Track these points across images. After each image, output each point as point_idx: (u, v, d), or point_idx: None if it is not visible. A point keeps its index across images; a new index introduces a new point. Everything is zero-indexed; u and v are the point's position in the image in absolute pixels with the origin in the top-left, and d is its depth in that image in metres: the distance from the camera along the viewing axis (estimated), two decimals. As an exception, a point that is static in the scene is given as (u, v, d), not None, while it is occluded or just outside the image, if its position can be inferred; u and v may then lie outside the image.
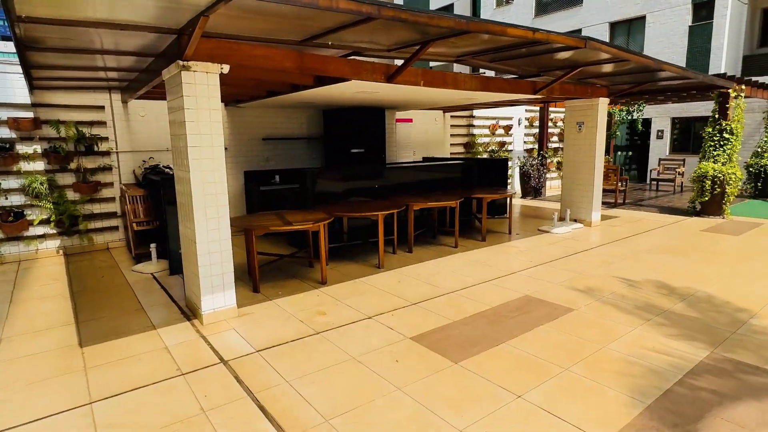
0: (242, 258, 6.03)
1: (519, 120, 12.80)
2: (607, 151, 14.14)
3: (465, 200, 7.04)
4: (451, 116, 11.18)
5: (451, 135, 11.28)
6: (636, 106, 12.81)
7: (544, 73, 6.40)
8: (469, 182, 8.10)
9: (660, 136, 14.36)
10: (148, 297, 4.72)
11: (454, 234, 6.84)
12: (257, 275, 4.77)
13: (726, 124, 8.62)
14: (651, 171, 13.05)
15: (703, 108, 13.42)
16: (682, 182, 12.54)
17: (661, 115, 14.41)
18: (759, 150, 12.00)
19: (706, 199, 8.53)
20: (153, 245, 5.72)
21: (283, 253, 5.85)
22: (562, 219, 7.93)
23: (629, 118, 13.26)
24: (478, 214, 8.08)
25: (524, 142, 13.10)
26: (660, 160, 13.40)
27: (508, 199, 7.41)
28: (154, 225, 6.01)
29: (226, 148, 7.84)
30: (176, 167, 4.17)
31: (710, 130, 8.87)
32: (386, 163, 9.45)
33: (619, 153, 16.03)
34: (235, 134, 7.92)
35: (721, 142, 8.69)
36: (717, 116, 8.74)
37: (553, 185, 13.87)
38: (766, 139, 12.10)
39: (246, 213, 8.18)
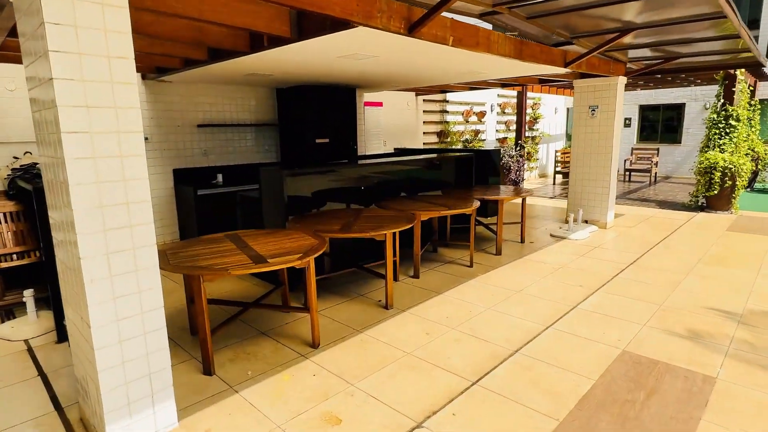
0: (178, 298, 4.07)
1: (492, 106, 11.56)
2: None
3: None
4: (424, 100, 9.63)
5: (423, 122, 9.74)
6: (610, 92, 12.01)
7: (575, 40, 4.99)
8: (464, 179, 6.60)
9: (628, 124, 13.83)
10: (8, 400, 2.70)
11: (451, 245, 5.32)
12: (209, 348, 2.90)
13: (732, 110, 7.84)
14: (624, 161, 12.41)
15: (672, 95, 12.99)
16: (656, 173, 11.99)
17: (628, 103, 13.87)
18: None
19: (715, 193, 7.71)
20: (28, 292, 3.61)
21: (246, 301, 3.98)
22: (570, 220, 6.67)
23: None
24: (483, 220, 6.63)
25: (496, 130, 11.89)
26: (632, 149, 12.82)
27: (522, 200, 6.01)
28: (31, 258, 3.87)
29: (146, 138, 5.69)
30: (42, 157, 2.20)
31: (714, 115, 8.06)
32: (360, 156, 7.71)
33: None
34: (158, 119, 5.79)
35: (727, 130, 7.91)
36: (723, 100, 7.93)
37: (529, 178, 12.84)
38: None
39: (179, 231, 6.09)
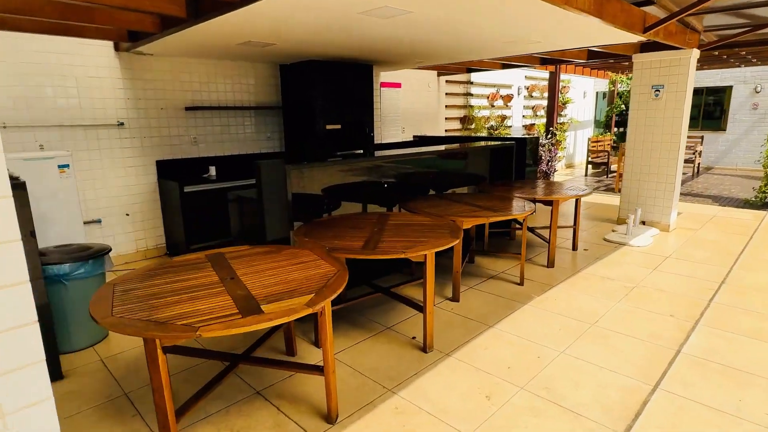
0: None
1: (519, 89, 10.44)
2: (608, 127, 12.23)
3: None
4: (447, 81, 8.54)
5: (445, 106, 8.66)
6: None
7: (658, -1, 3.90)
8: (500, 172, 5.56)
9: (665, 109, 12.62)
10: None
11: (491, 253, 4.32)
12: (175, 433, 1.93)
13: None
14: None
15: (718, 77, 11.77)
16: (699, 163, 10.85)
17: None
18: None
19: (789, 188, 6.63)
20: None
21: (233, 353, 3.01)
22: (630, 222, 5.62)
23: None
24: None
25: (523, 116, 10.79)
26: (673, 137, 11.63)
27: (576, 201, 4.97)
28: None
29: (121, 123, 4.71)
30: None
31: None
32: (378, 146, 6.72)
33: (616, 130, 14.24)
34: (137, 101, 4.79)
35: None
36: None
37: (557, 169, 11.77)
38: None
39: (165, 237, 5.13)
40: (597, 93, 13.55)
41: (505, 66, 7.33)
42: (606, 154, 10.72)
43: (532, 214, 3.68)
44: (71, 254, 2.93)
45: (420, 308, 3.04)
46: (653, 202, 5.81)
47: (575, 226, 5.00)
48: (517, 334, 3.15)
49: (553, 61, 6.88)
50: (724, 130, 11.97)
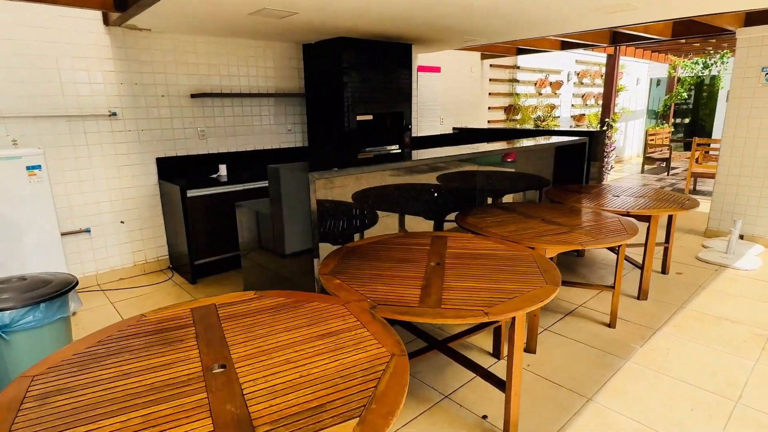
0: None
1: (569, 74, 9.31)
2: (666, 118, 10.96)
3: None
4: (491, 65, 7.52)
5: (489, 94, 7.64)
6: (719, 56, 9.56)
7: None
8: (566, 173, 4.58)
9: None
10: None
11: (563, 280, 3.39)
12: None
13: None
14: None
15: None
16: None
17: (730, 72, 11.26)
18: None
19: None
20: None
21: None
22: (733, 239, 4.55)
23: (707, 73, 10.04)
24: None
25: (572, 105, 9.66)
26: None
27: (671, 217, 3.95)
28: None
29: (113, 114, 3.92)
30: None
31: None
32: (416, 140, 5.82)
33: (677, 120, 12.86)
34: (132, 86, 3.99)
35: None
36: None
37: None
38: None
39: (167, 247, 4.35)
40: (651, 80, 12.22)
41: (564, 46, 6.26)
42: (668, 149, 9.51)
43: (632, 236, 2.72)
44: (15, 295, 2.13)
45: (495, 379, 2.15)
46: (756, 212, 4.73)
47: (668, 244, 3.99)
48: (632, 415, 2.22)
49: (629, 37, 5.77)
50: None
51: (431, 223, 3.55)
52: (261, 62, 4.77)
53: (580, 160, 4.47)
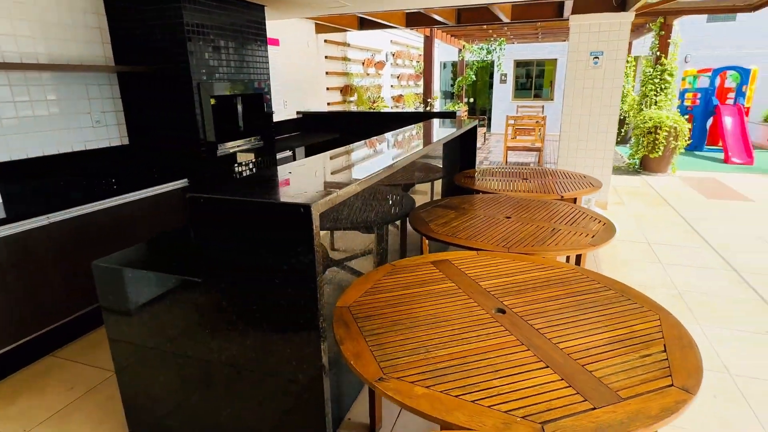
0: None
1: (386, 54, 9.29)
2: (460, 98, 12.19)
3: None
4: (325, 41, 6.78)
5: (326, 73, 6.92)
6: (497, 43, 11.01)
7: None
8: (462, 160, 4.35)
9: (504, 80, 13.22)
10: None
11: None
12: None
13: (667, 63, 7.32)
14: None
15: (546, 50, 12.73)
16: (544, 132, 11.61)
17: (502, 58, 13.18)
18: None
19: (659, 154, 7.19)
20: None
21: None
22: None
23: (489, 58, 11.45)
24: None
25: (391, 86, 9.75)
26: (518, 107, 12.21)
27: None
28: None
29: None
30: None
31: (650, 69, 7.46)
32: (276, 125, 4.75)
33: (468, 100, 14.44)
34: None
35: (663, 85, 7.40)
36: (658, 53, 7.33)
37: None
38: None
39: None
40: (441, 63, 13.41)
41: (409, 23, 6.00)
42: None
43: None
44: None
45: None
46: (591, 171, 5.43)
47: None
48: None
49: (473, 12, 5.81)
50: (553, 100, 13.22)
51: (371, 236, 2.76)
52: (34, 16, 2.97)
53: (472, 144, 4.27)
